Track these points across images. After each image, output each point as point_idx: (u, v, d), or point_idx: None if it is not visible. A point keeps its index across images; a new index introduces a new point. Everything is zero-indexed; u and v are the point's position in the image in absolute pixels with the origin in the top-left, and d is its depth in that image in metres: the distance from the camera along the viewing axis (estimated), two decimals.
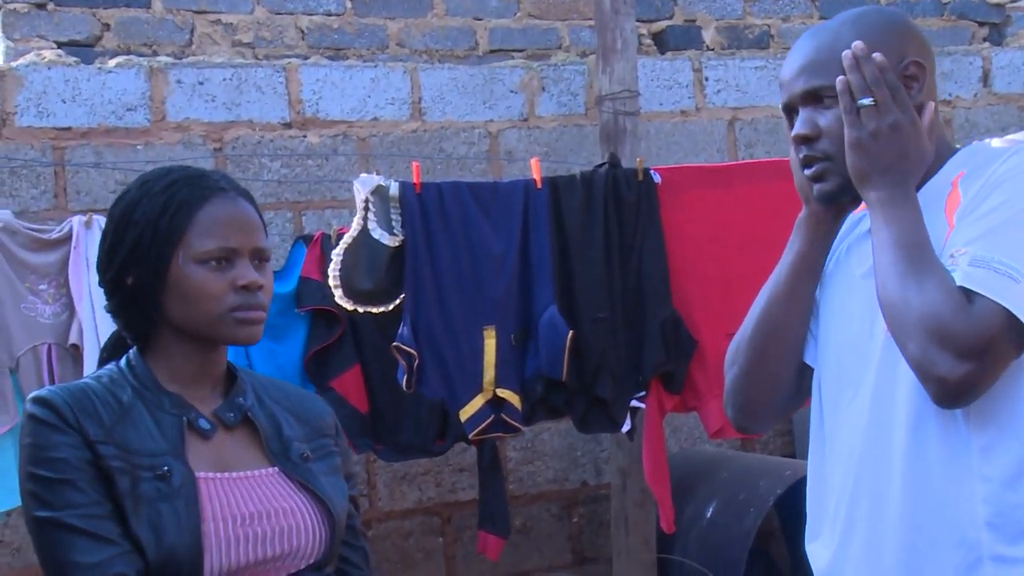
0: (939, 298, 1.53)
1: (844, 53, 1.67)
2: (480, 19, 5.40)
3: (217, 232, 1.68)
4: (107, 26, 4.87)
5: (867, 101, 1.66)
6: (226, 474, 1.69)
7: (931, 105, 1.73)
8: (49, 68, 4.24)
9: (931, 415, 1.60)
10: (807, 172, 1.76)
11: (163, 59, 4.50)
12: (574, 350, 3.78)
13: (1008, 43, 6.01)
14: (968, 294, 1.53)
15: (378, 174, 3.83)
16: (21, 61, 4.32)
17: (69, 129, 4.21)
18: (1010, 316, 1.51)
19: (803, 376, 1.87)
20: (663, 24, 5.73)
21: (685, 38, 5.72)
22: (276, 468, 1.73)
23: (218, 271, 1.67)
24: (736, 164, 4.59)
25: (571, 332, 3.76)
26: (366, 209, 3.70)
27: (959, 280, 1.54)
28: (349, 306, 3.67)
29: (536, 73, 4.89)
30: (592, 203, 3.92)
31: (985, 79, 5.56)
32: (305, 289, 3.78)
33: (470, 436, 3.76)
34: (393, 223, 3.72)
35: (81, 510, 1.58)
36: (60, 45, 4.70)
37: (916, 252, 1.59)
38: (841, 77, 1.67)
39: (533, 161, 3.97)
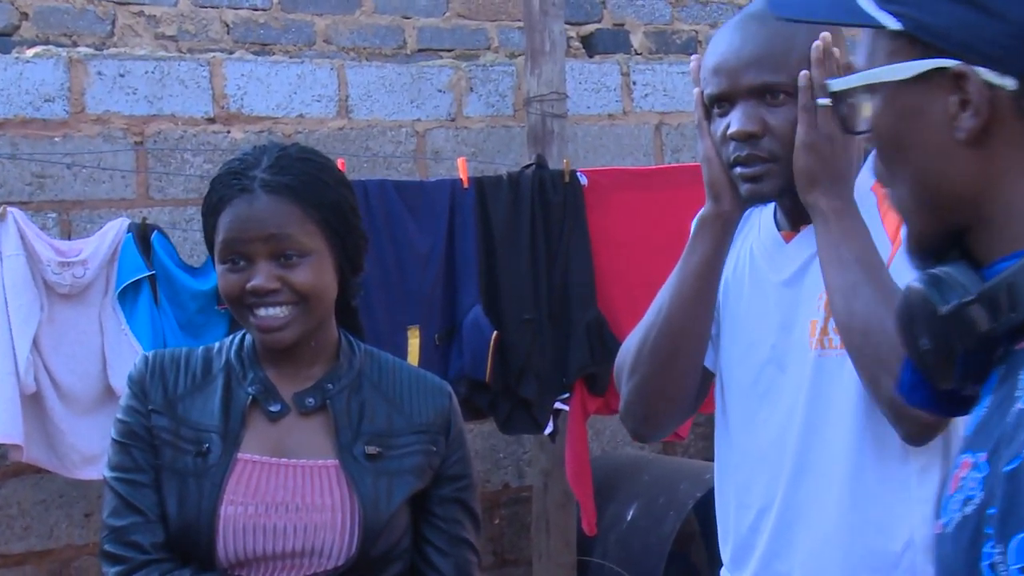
0: None
1: (815, 44, 1.58)
2: (409, 18, 5.37)
3: (231, 234, 1.67)
4: (25, 15, 4.76)
5: (826, 101, 1.56)
6: (276, 460, 1.68)
7: None
8: None
9: (870, 439, 1.57)
10: (742, 171, 1.65)
11: (83, 50, 4.41)
12: (498, 351, 3.78)
13: None
14: None
15: None
16: None
17: None
18: None
19: (704, 382, 1.81)
20: (592, 27, 5.74)
21: (613, 42, 5.74)
22: (337, 461, 1.69)
23: (236, 272, 1.68)
24: (662, 168, 4.62)
25: (495, 333, 3.75)
26: None
27: None
28: None
29: (464, 73, 4.87)
30: (519, 204, 3.92)
31: None
32: None
33: None
34: None
35: (124, 474, 1.68)
36: None
37: (880, 274, 1.54)
38: (805, 72, 1.59)
39: (460, 161, 3.96)
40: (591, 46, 5.73)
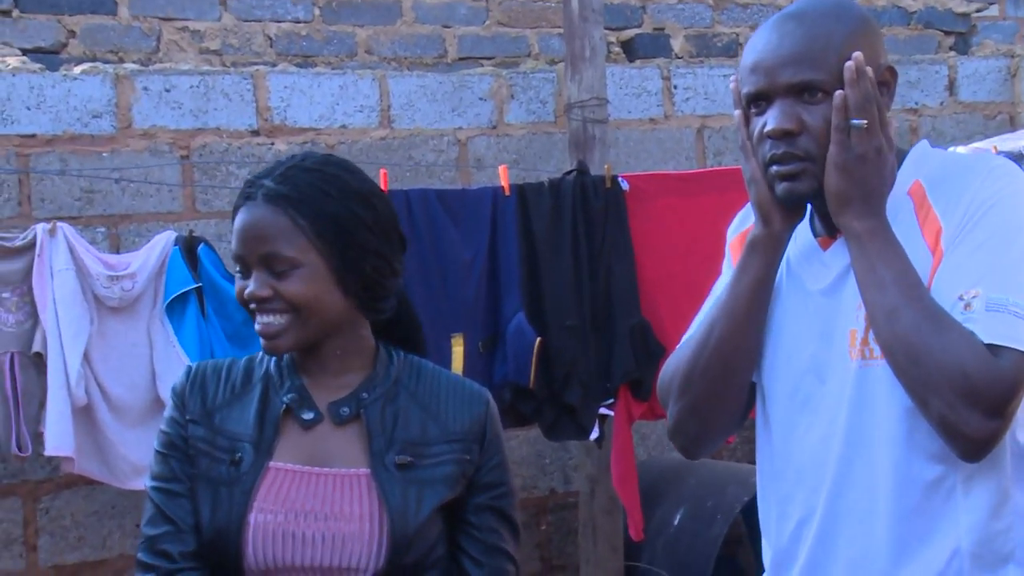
0: (964, 354, 1.46)
1: (847, 65, 1.57)
2: (449, 27, 5.39)
3: (235, 241, 1.71)
4: (73, 33, 4.83)
5: (861, 122, 1.57)
6: (308, 468, 1.69)
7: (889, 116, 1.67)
8: (14, 75, 4.20)
9: (914, 449, 1.55)
10: (778, 169, 1.63)
11: (129, 66, 4.47)
12: (542, 357, 3.78)
13: (973, 52, 6.06)
14: (992, 347, 1.47)
15: None
16: None
17: (34, 136, 4.17)
18: None
19: (751, 394, 1.80)
20: (632, 32, 5.74)
21: (654, 46, 5.73)
22: (368, 470, 1.70)
23: (242, 280, 1.71)
24: (704, 171, 4.61)
25: (539, 339, 3.76)
26: None
27: (982, 335, 1.47)
28: None
29: (505, 81, 4.89)
30: (560, 210, 3.92)
31: (951, 88, 5.60)
32: None
33: None
34: None
35: (161, 483, 1.72)
36: (25, 52, 4.66)
37: (921, 294, 1.52)
38: (840, 92, 1.57)
39: (501, 168, 3.97)
40: (631, 51, 5.73)
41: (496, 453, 1.79)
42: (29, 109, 4.18)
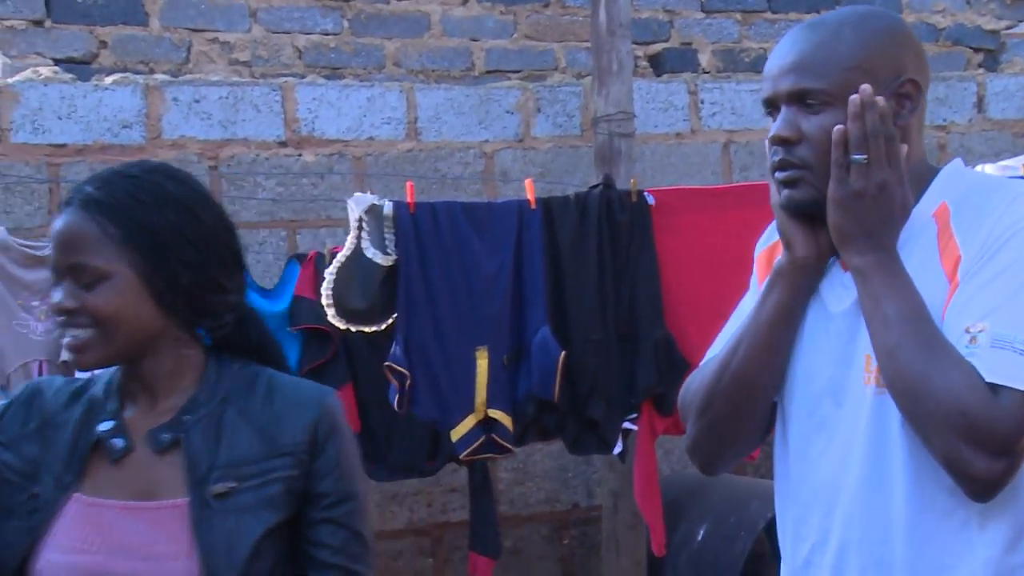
0: (964, 394, 1.43)
1: (852, 98, 1.53)
2: (477, 40, 5.42)
3: (51, 248, 1.59)
4: (104, 43, 4.88)
5: (860, 158, 1.53)
6: (121, 502, 1.55)
7: (917, 129, 1.63)
8: (45, 85, 4.25)
9: (928, 479, 1.52)
10: (778, 175, 1.63)
11: (159, 77, 4.51)
12: (566, 371, 3.78)
13: (1002, 69, 6.03)
14: (994, 385, 1.43)
15: (372, 193, 3.83)
16: (17, 78, 4.33)
17: (64, 146, 4.21)
18: None
19: (772, 414, 1.77)
20: (659, 47, 5.75)
21: (681, 61, 5.74)
22: (186, 500, 1.55)
23: (54, 289, 1.59)
24: (731, 187, 4.60)
25: (563, 353, 3.76)
26: (360, 228, 3.70)
27: (985, 372, 1.43)
28: (342, 325, 3.67)
29: (532, 94, 4.90)
30: (586, 224, 3.92)
31: (980, 105, 5.58)
32: (298, 308, 3.78)
33: (461, 457, 3.76)
34: (387, 242, 3.72)
35: None
36: (57, 62, 4.71)
37: (924, 330, 1.48)
38: (839, 127, 1.54)
39: (527, 181, 3.98)
40: (658, 65, 5.73)
41: (330, 460, 1.61)
42: (60, 119, 4.22)
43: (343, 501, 1.63)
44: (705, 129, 5.10)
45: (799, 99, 1.59)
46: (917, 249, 1.57)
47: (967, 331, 1.46)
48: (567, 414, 3.87)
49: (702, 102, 5.11)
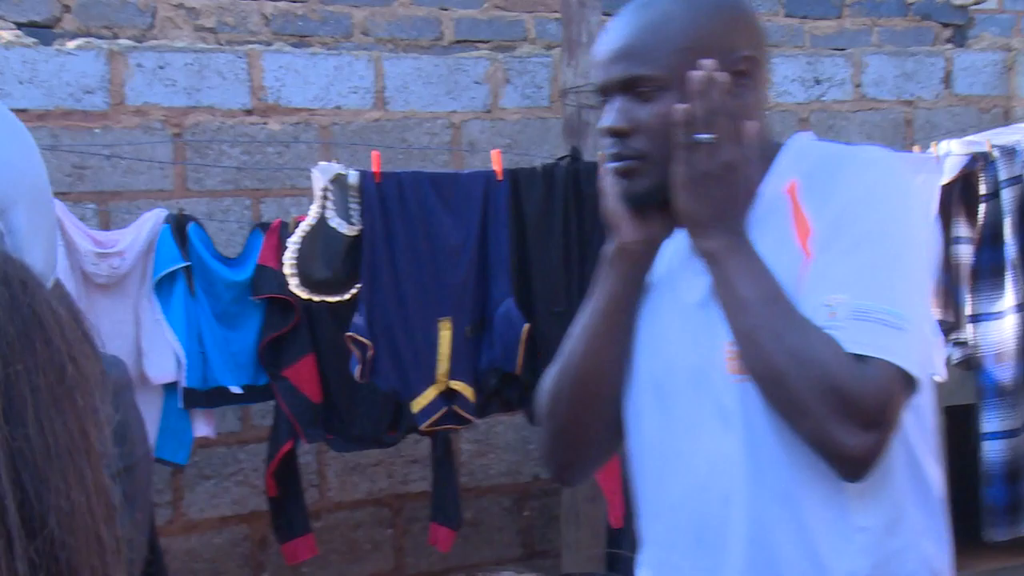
0: (831, 366, 1.37)
1: (691, 74, 1.46)
2: (446, 9, 5.38)
3: None
4: (67, 7, 4.81)
5: (707, 137, 1.46)
6: None
7: (758, 106, 1.55)
8: (7, 48, 4.19)
9: (807, 465, 1.45)
10: (612, 166, 1.55)
11: (123, 42, 4.46)
12: (529, 343, 3.78)
13: (970, 45, 6.05)
14: (858, 356, 1.38)
15: (338, 163, 3.81)
16: None
17: (25, 111, 4.16)
18: (902, 369, 1.39)
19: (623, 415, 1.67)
20: None
21: None
22: None
23: None
24: None
25: (527, 325, 3.76)
26: (324, 198, 3.68)
27: (847, 344, 1.38)
28: (304, 295, 3.65)
29: (501, 65, 4.88)
30: (552, 197, 3.91)
31: (947, 80, 5.60)
32: (261, 277, 3.76)
33: (422, 428, 3.76)
34: (351, 212, 3.70)
35: None
36: (19, 26, 4.65)
37: (781, 310, 1.42)
38: (681, 106, 1.47)
39: (494, 153, 3.96)
40: None
41: None
42: (21, 83, 4.17)
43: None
44: None
45: (631, 87, 1.51)
46: (771, 228, 1.51)
47: (826, 304, 1.41)
48: (530, 386, 3.87)
49: None
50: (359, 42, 5.20)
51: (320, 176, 3.70)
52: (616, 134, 1.53)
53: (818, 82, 5.39)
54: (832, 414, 1.37)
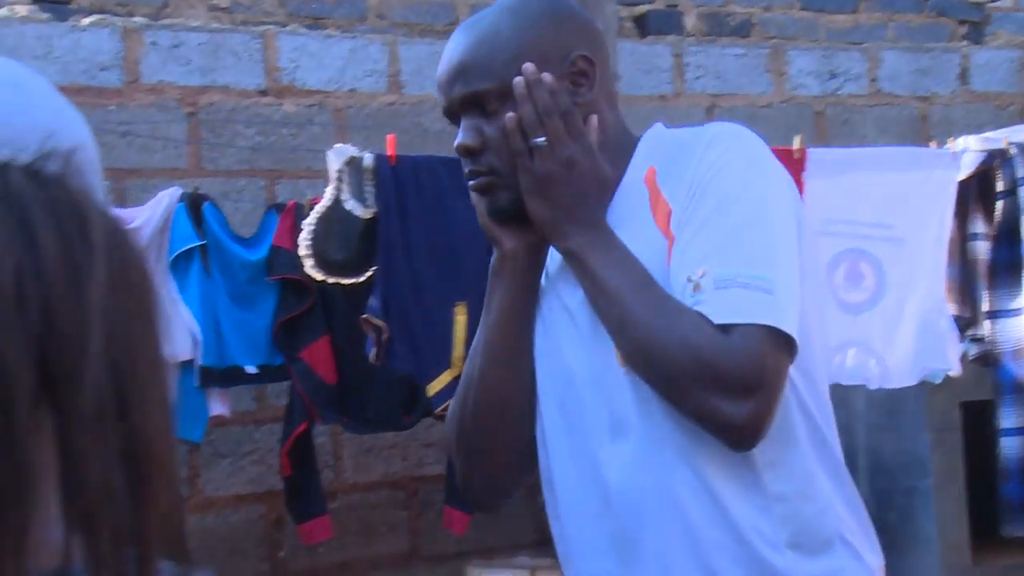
0: (696, 341, 1.37)
1: (515, 80, 1.46)
2: None
3: None
4: None
5: (540, 141, 1.46)
6: None
7: (607, 101, 1.56)
8: (22, 24, 4.17)
9: (712, 444, 1.43)
10: (473, 185, 1.54)
11: (138, 20, 4.43)
12: None
13: (987, 42, 6.03)
14: (725, 326, 1.37)
15: (353, 146, 3.79)
16: None
17: None
18: (774, 330, 1.38)
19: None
20: (644, 8, 5.70)
21: (666, 23, 5.69)
22: None
23: None
24: None
25: None
26: (339, 180, 3.66)
27: (713, 316, 1.38)
28: (320, 276, 3.63)
29: None
30: None
31: (963, 77, 5.58)
32: (276, 258, 3.74)
33: (437, 411, 3.74)
34: (366, 195, 3.68)
35: None
36: (34, 1, 4.62)
37: (647, 294, 1.42)
38: (510, 115, 1.46)
39: None
40: (643, 27, 5.69)
41: None
42: (36, 59, 4.14)
43: None
44: (689, 92, 5.08)
45: (475, 104, 1.51)
46: (632, 218, 1.51)
47: (689, 280, 1.40)
48: None
49: (687, 65, 5.08)
50: (374, 25, 5.18)
51: (335, 158, 3.68)
52: (468, 152, 1.52)
53: (833, 76, 5.37)
54: (707, 389, 1.37)
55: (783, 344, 1.39)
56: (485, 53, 1.50)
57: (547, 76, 1.47)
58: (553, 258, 1.58)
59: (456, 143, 1.53)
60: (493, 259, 1.58)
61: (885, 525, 4.23)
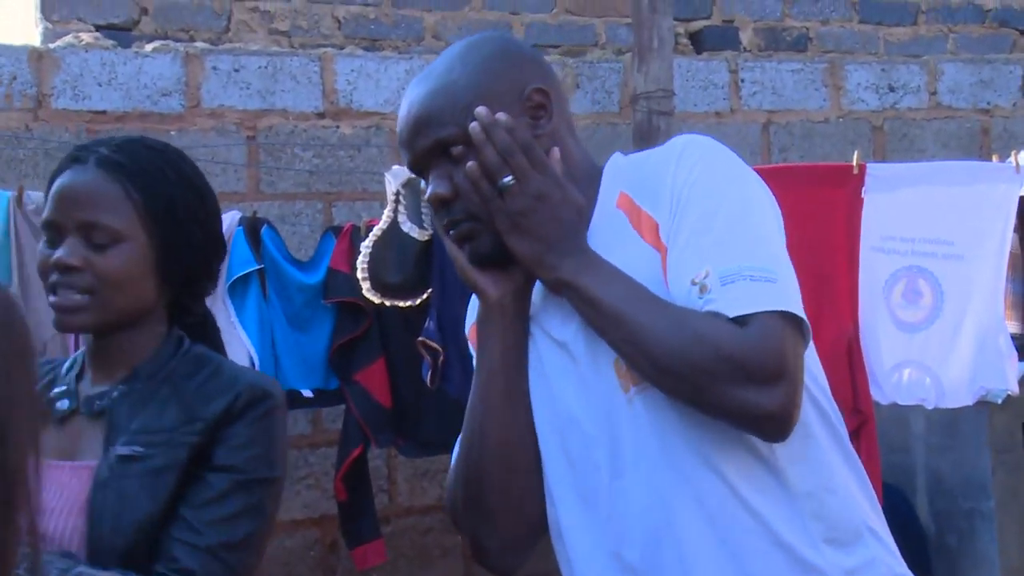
0: (713, 338, 1.37)
1: (471, 126, 1.47)
2: (517, 14, 5.39)
3: (51, 203, 1.57)
4: (145, 10, 4.88)
5: (507, 181, 1.47)
6: (50, 462, 1.51)
7: (566, 131, 1.57)
8: (86, 51, 4.26)
9: (731, 455, 1.43)
10: (452, 234, 1.54)
11: (199, 45, 4.51)
12: None
13: None
14: (740, 318, 1.38)
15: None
16: (59, 43, 4.34)
17: (104, 113, 4.22)
18: (785, 315, 1.39)
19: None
20: (700, 24, 5.69)
21: (722, 39, 5.68)
22: (94, 463, 1.55)
23: (49, 248, 1.57)
24: (768, 168, 4.56)
25: None
26: (396, 202, 3.70)
27: (727, 311, 1.38)
28: (376, 299, 3.67)
29: (571, 70, 4.87)
30: None
31: None
32: (333, 281, 3.78)
33: None
34: (423, 216, 3.71)
35: None
36: (98, 28, 4.72)
37: (650, 306, 1.42)
38: (472, 163, 1.48)
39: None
40: (699, 43, 5.68)
41: (238, 433, 1.55)
42: (100, 85, 4.23)
43: (236, 476, 1.54)
44: (745, 108, 5.06)
45: (441, 153, 1.52)
46: (617, 241, 1.50)
47: (693, 283, 1.41)
48: None
49: (742, 81, 5.06)
50: (430, 46, 5.22)
51: (392, 180, 3.72)
52: (442, 202, 1.52)
53: (892, 89, 5.32)
54: (733, 382, 1.36)
55: (797, 326, 1.41)
56: (442, 102, 1.52)
57: (502, 115, 1.49)
58: (535, 295, 1.57)
59: (427, 195, 1.54)
60: (479, 311, 1.58)
61: (945, 548, 4.17)
